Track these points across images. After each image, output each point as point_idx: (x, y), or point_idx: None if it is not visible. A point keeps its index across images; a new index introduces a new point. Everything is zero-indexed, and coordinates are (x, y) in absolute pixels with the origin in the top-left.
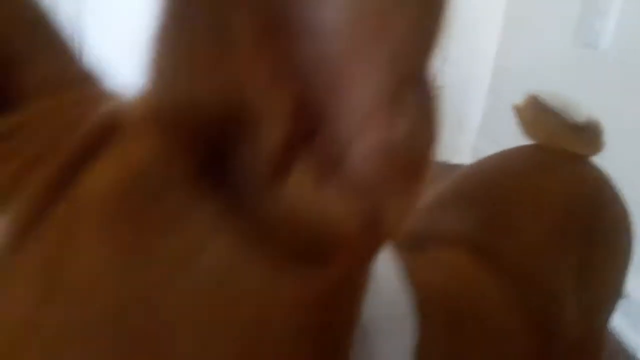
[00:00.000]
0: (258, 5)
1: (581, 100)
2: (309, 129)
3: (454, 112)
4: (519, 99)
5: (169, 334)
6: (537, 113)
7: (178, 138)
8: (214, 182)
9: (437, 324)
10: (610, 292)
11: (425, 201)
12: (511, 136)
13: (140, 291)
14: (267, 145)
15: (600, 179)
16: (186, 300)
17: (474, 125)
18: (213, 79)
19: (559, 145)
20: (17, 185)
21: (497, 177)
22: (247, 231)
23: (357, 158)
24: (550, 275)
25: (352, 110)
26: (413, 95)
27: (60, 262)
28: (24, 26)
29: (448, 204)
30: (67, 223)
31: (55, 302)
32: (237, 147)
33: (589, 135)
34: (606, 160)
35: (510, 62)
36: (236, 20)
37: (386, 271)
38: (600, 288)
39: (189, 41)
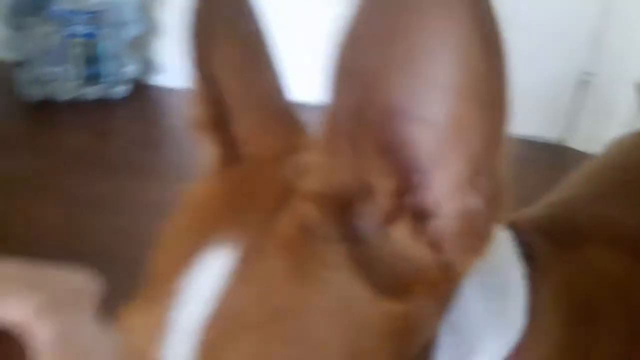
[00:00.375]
0: (375, 135)
1: None
2: (409, 197)
3: (603, 101)
4: None
5: (303, 336)
6: None
7: (329, 205)
8: (344, 232)
9: (556, 322)
10: None
11: (577, 190)
12: None
13: (294, 302)
14: (379, 207)
15: None
16: (318, 311)
17: (624, 117)
18: (349, 172)
19: None
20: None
21: None
22: (361, 265)
23: (443, 219)
24: None
25: (439, 186)
26: (485, 182)
27: (256, 269)
28: (233, 87)
29: (608, 196)
30: (265, 248)
31: (243, 295)
32: (360, 208)
33: None
34: None
35: None
36: (362, 144)
37: (506, 268)
38: None
39: (338, 154)
